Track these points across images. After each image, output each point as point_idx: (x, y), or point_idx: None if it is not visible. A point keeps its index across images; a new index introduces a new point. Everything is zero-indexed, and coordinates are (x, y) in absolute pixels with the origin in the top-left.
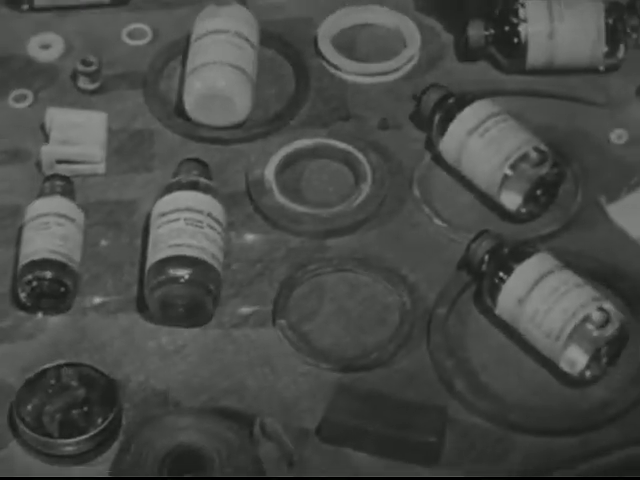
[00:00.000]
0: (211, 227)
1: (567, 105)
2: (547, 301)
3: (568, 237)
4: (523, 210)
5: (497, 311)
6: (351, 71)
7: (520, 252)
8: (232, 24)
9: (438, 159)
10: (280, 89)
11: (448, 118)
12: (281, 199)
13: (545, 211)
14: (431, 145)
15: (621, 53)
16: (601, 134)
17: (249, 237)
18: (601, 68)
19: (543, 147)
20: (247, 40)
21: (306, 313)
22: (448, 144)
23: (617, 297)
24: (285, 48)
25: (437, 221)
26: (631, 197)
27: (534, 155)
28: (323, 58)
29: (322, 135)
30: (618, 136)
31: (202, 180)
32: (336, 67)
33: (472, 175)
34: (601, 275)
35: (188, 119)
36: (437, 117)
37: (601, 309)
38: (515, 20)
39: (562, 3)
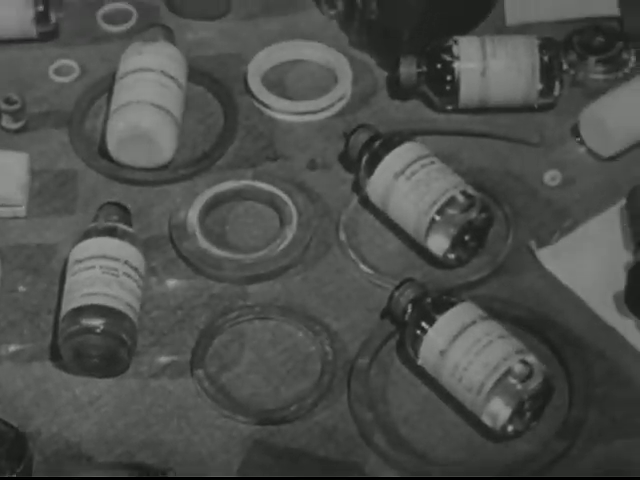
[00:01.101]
0: (127, 275)
1: (501, 145)
2: (469, 354)
3: (497, 283)
4: (451, 256)
5: (419, 362)
6: (281, 109)
7: (443, 302)
8: (158, 62)
9: (366, 202)
10: (208, 127)
11: (375, 160)
12: (204, 243)
13: (474, 256)
14: (359, 187)
15: (556, 91)
16: (534, 175)
17: (170, 283)
18: (536, 106)
19: (471, 191)
20: (173, 78)
21: (226, 363)
22: (375, 187)
23: (546, 347)
24: (214, 85)
25: (363, 267)
26: (563, 241)
27: (462, 199)
28: (252, 96)
29: (248, 177)
30: (552, 177)
31: (120, 226)
32: (265, 105)
33: (399, 219)
34: (530, 324)
35: (112, 160)
36: (364, 159)
37: (524, 362)
38: (447, 57)
39: (495, 40)
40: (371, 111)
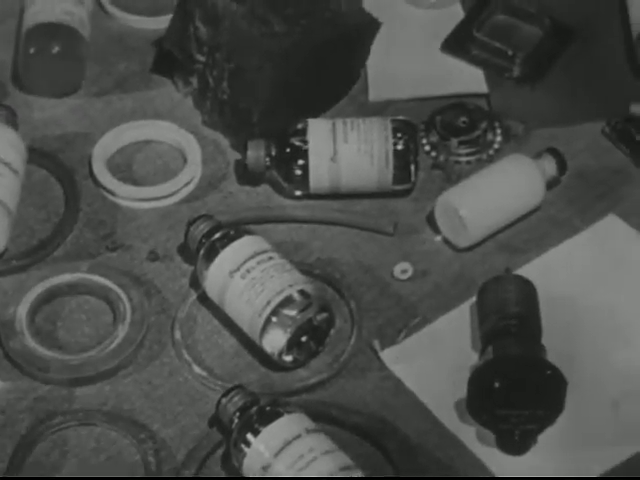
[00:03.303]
0: None
1: (353, 234)
2: (291, 470)
3: (338, 386)
4: (287, 357)
5: (244, 475)
6: (124, 195)
7: (268, 413)
8: None
9: (204, 298)
10: (48, 214)
11: (212, 254)
12: (31, 342)
13: (313, 358)
14: (197, 282)
15: (412, 177)
16: (386, 267)
17: None
18: (390, 192)
19: (309, 290)
20: (8, 165)
21: (45, 472)
22: (212, 283)
23: (381, 455)
24: (57, 168)
25: (196, 369)
26: (409, 341)
27: (298, 299)
28: (95, 180)
29: (83, 269)
30: (402, 270)
31: None
32: (108, 190)
33: (236, 318)
34: (367, 431)
35: None
36: (202, 252)
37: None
38: (297, 141)
39: (347, 123)
40: (220, 196)
